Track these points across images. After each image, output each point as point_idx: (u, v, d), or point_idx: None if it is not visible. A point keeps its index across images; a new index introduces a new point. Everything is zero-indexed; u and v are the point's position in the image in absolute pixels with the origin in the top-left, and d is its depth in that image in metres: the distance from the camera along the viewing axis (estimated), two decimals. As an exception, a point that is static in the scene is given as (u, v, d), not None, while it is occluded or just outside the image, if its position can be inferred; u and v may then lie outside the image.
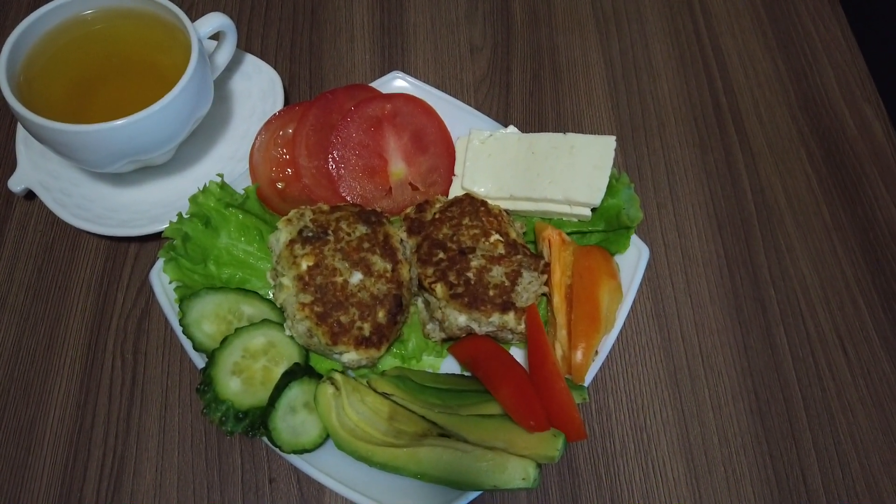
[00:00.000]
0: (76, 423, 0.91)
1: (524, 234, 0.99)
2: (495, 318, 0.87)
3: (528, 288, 0.90)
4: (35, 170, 1.01)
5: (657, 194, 1.13)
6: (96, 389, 0.93)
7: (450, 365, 0.93)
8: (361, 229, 0.92)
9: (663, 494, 0.91)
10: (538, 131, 1.17)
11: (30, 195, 1.05)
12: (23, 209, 1.06)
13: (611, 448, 0.93)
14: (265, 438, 0.82)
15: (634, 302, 0.93)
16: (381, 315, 0.87)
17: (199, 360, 0.86)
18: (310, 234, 0.90)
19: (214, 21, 1.00)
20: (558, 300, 0.91)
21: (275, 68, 1.13)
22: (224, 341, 0.85)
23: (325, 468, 0.83)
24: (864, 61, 1.29)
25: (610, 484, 0.91)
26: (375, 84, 1.07)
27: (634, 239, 0.95)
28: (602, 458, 0.93)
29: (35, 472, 0.88)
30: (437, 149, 1.05)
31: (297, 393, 0.83)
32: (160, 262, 0.90)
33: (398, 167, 1.03)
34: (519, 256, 0.91)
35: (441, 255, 0.91)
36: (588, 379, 0.87)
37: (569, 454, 0.93)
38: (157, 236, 0.99)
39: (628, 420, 0.95)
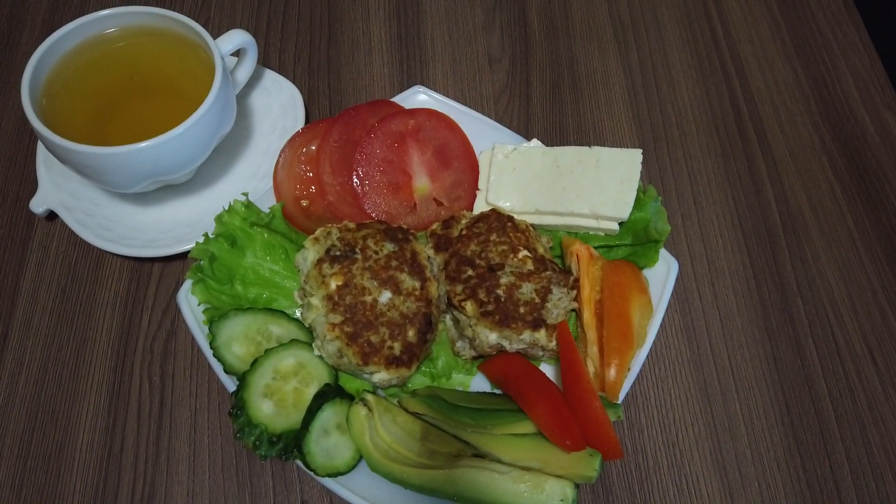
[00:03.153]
0: (105, 447, 0.90)
1: (551, 249, 0.99)
2: (526, 335, 0.87)
3: (558, 304, 0.89)
4: (56, 190, 1.01)
5: (681, 205, 1.13)
6: (124, 413, 0.92)
7: (479, 382, 0.92)
8: (389, 247, 0.91)
9: (698, 511, 0.90)
10: (559, 143, 1.17)
11: (51, 216, 1.04)
12: (44, 230, 1.05)
13: (644, 464, 0.93)
14: (298, 461, 0.81)
15: (663, 316, 0.92)
16: (410, 334, 0.87)
17: (230, 384, 0.86)
18: (338, 253, 0.89)
19: (236, 38, 1.00)
20: (588, 316, 0.90)
21: (293, 83, 1.12)
22: (254, 363, 0.84)
23: (359, 490, 0.82)
24: (883, 67, 1.29)
25: (644, 501, 0.90)
26: (397, 99, 1.07)
27: (663, 252, 0.95)
28: (636, 475, 0.92)
29: (65, 497, 0.87)
30: (460, 163, 1.04)
31: (329, 415, 0.83)
32: (187, 284, 0.89)
33: (422, 183, 1.03)
34: (548, 272, 0.91)
35: (470, 272, 0.91)
36: (620, 395, 0.86)
37: (602, 471, 0.92)
38: (180, 256, 0.99)
39: (660, 436, 0.95)
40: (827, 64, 1.29)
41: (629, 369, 0.88)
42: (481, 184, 1.03)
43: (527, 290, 0.89)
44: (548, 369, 0.93)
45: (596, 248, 0.98)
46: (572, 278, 0.92)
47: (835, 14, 1.35)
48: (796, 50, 1.30)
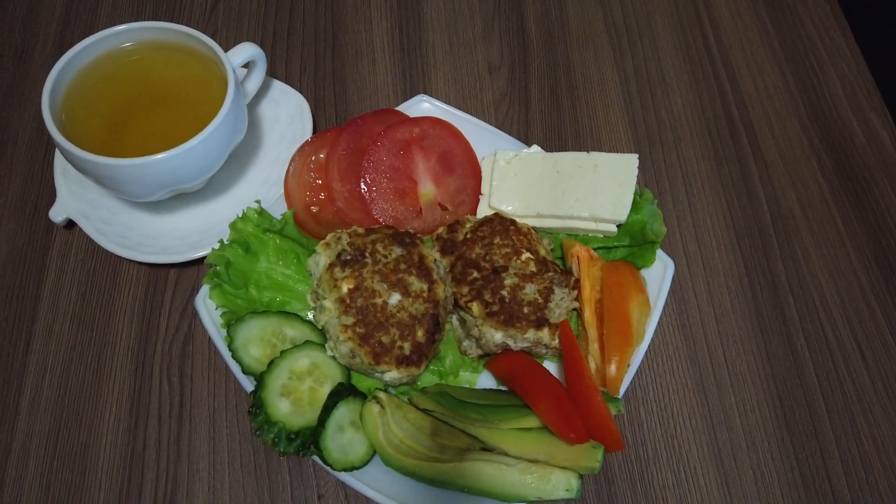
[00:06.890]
0: (128, 446, 0.94)
1: (552, 250, 1.03)
2: (530, 334, 0.91)
3: (560, 304, 0.93)
4: (74, 200, 1.04)
5: (676, 207, 1.17)
6: (146, 413, 0.96)
7: (486, 380, 0.96)
8: (397, 251, 0.95)
9: (696, 499, 0.94)
10: (558, 147, 1.21)
11: (69, 225, 1.07)
12: (63, 239, 1.09)
13: (644, 456, 0.97)
14: (315, 457, 0.85)
15: (661, 313, 0.97)
16: (419, 334, 0.90)
17: (248, 384, 0.89)
18: (348, 258, 0.93)
19: (246, 51, 1.03)
20: (589, 315, 0.94)
21: (300, 93, 1.16)
22: (271, 364, 0.88)
23: (373, 484, 0.86)
24: (870, 71, 1.33)
25: (645, 491, 0.95)
26: (402, 108, 1.11)
27: (660, 253, 0.99)
28: (636, 466, 0.96)
29: (91, 494, 0.91)
30: (463, 169, 1.08)
31: (343, 412, 0.87)
32: (205, 289, 0.93)
33: (427, 188, 1.07)
34: (550, 273, 0.95)
35: (475, 274, 0.95)
36: (621, 390, 0.90)
37: (605, 463, 0.96)
38: (194, 261, 1.02)
39: (659, 428, 0.99)
40: (815, 69, 1.33)
41: (629, 365, 0.92)
42: (484, 189, 1.07)
43: (530, 290, 0.93)
44: (551, 366, 0.97)
45: (595, 249, 1.02)
46: (573, 279, 0.96)
47: (822, 20, 1.39)
48: (785, 55, 1.35)
